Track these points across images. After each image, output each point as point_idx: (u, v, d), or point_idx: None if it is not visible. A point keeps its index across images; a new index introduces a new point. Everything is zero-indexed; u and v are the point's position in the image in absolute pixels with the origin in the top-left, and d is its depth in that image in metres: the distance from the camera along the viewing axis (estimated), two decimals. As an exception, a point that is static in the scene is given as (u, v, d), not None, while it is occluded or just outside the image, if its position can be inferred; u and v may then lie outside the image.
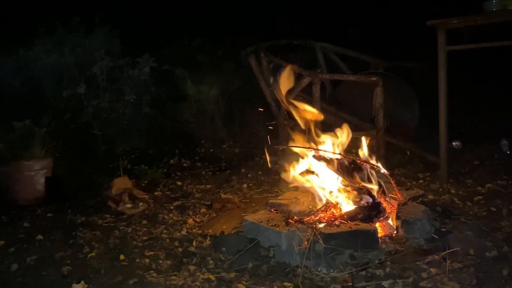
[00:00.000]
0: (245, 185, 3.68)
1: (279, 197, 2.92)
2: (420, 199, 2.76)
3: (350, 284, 1.98)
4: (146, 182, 3.85)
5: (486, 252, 2.15)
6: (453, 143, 4.19)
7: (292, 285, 2.01)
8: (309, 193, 2.82)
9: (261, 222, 2.40)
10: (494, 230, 2.42)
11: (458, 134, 4.32)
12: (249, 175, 3.98)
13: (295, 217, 2.43)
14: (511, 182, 3.22)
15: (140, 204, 3.26)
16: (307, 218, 2.46)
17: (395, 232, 2.41)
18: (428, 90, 3.72)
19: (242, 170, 4.14)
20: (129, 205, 3.23)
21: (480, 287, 1.89)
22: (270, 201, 2.85)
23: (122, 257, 2.41)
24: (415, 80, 4.57)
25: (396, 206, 2.56)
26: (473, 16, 3.09)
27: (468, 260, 2.10)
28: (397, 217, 2.43)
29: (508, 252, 2.14)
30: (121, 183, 3.40)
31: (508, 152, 4.00)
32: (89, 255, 2.46)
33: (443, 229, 2.45)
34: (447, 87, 3.21)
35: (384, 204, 2.52)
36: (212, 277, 2.12)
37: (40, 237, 2.73)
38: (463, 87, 4.73)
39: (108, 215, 3.11)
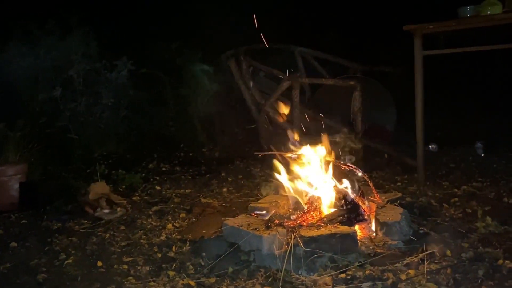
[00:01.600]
0: (225, 189, 3.67)
1: (259, 201, 2.91)
2: (398, 202, 2.79)
3: (330, 286, 1.99)
4: (124, 187, 3.79)
5: (462, 253, 2.19)
6: (430, 146, 4.27)
7: (273, 289, 2.01)
8: (289, 196, 2.82)
9: (241, 226, 2.39)
10: (470, 231, 2.47)
11: (434, 137, 4.40)
12: (229, 179, 3.96)
13: (275, 221, 2.43)
14: (486, 184, 3.30)
15: (118, 209, 3.22)
16: (288, 222, 2.46)
17: (374, 234, 2.44)
18: (405, 94, 3.78)
19: (222, 174, 4.12)
20: (106, 211, 3.18)
21: (457, 288, 1.92)
22: (250, 205, 2.84)
23: (99, 263, 2.37)
24: (393, 84, 4.64)
25: (375, 209, 2.58)
26: (448, 21, 3.15)
27: (445, 261, 2.13)
28: (376, 220, 2.46)
29: (484, 253, 2.18)
30: (98, 188, 3.34)
31: (483, 154, 4.10)
32: (65, 262, 2.41)
33: (421, 231, 2.49)
34: (424, 91, 3.27)
35: (363, 207, 2.54)
36: (192, 283, 2.10)
37: (14, 244, 2.66)
38: (439, 91, 4.84)
39: (85, 221, 3.06)
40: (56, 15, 4.72)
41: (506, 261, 2.06)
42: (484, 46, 3.16)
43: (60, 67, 4.62)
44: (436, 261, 2.14)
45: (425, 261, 2.12)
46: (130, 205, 3.35)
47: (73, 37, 4.76)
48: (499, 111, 4.79)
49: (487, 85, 5.25)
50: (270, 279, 2.08)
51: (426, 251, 2.20)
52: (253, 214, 2.64)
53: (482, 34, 3.40)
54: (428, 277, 1.99)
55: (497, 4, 3.03)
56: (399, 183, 3.51)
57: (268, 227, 2.34)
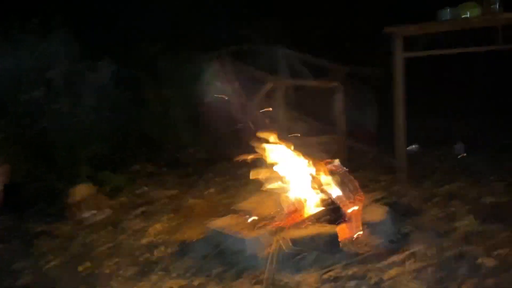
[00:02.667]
0: (211, 190, 3.67)
1: (245, 202, 2.92)
2: (382, 201, 2.83)
3: (316, 286, 2.01)
4: (109, 188, 3.76)
5: (444, 252, 2.23)
6: (412, 146, 4.33)
7: (259, 289, 2.02)
8: (275, 197, 2.83)
9: (227, 227, 2.39)
10: (452, 230, 2.51)
11: (416, 137, 4.46)
12: (215, 180, 3.96)
13: (261, 222, 2.44)
14: (467, 184, 3.36)
15: (103, 211, 3.20)
16: (273, 222, 2.47)
17: (359, 234, 2.46)
18: (387, 95, 3.83)
19: (208, 175, 4.11)
20: (91, 212, 3.16)
21: (439, 286, 1.96)
22: (236, 205, 2.85)
23: (84, 265, 2.36)
24: (374, 85, 4.69)
25: (360, 209, 2.61)
26: (428, 24, 3.21)
27: (428, 260, 2.17)
28: (361, 219, 2.49)
29: (465, 251, 2.22)
30: (83, 190, 3.32)
31: (464, 154, 4.17)
32: (49, 265, 2.38)
33: (404, 230, 2.53)
34: (405, 92, 3.31)
35: (348, 206, 2.57)
36: (178, 284, 2.10)
37: (-3, 247, 2.64)
38: (420, 92, 4.90)
39: (70, 223, 3.03)
40: (38, 15, 4.66)
41: (487, 259, 2.11)
42: (463, 48, 3.23)
43: (42, 68, 4.56)
44: (419, 260, 2.17)
45: (409, 260, 2.16)
46: (115, 207, 3.33)
47: (56, 37, 4.70)
48: (480, 112, 4.88)
49: (467, 86, 5.34)
50: (256, 279, 2.09)
51: (409, 250, 2.24)
52: (238, 215, 2.64)
53: (462, 35, 3.46)
54: (411, 275, 2.02)
55: (475, 7, 3.09)
56: (382, 183, 3.55)
57: (253, 228, 2.35)
